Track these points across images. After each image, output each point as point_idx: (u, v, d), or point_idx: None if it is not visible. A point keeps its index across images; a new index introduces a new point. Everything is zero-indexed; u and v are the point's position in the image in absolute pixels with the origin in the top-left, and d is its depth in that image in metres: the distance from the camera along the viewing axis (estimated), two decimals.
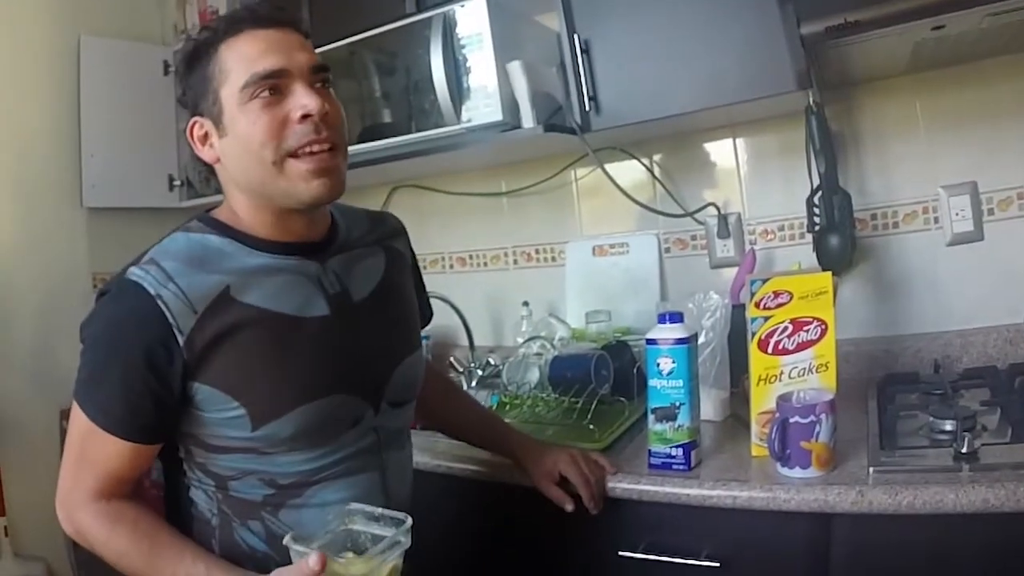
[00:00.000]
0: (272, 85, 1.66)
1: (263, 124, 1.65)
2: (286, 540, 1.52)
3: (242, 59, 1.67)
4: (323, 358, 1.72)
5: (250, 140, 1.66)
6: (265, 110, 1.66)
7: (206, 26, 1.75)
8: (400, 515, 1.59)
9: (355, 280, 1.85)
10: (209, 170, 1.89)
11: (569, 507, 2.15)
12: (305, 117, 1.67)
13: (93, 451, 1.65)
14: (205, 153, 1.73)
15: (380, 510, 1.61)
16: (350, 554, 1.53)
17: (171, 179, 4.02)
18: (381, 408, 1.84)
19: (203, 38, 1.71)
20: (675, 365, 2.09)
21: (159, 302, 1.58)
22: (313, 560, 1.43)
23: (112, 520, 1.64)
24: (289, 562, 1.53)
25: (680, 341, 2.09)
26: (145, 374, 1.59)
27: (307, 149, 1.67)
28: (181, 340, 1.58)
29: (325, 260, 1.80)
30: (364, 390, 1.79)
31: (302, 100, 1.67)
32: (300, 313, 1.71)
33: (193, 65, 1.72)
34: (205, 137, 1.72)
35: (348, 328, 1.78)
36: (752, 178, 3.11)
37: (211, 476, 1.71)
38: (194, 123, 1.73)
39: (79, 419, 1.65)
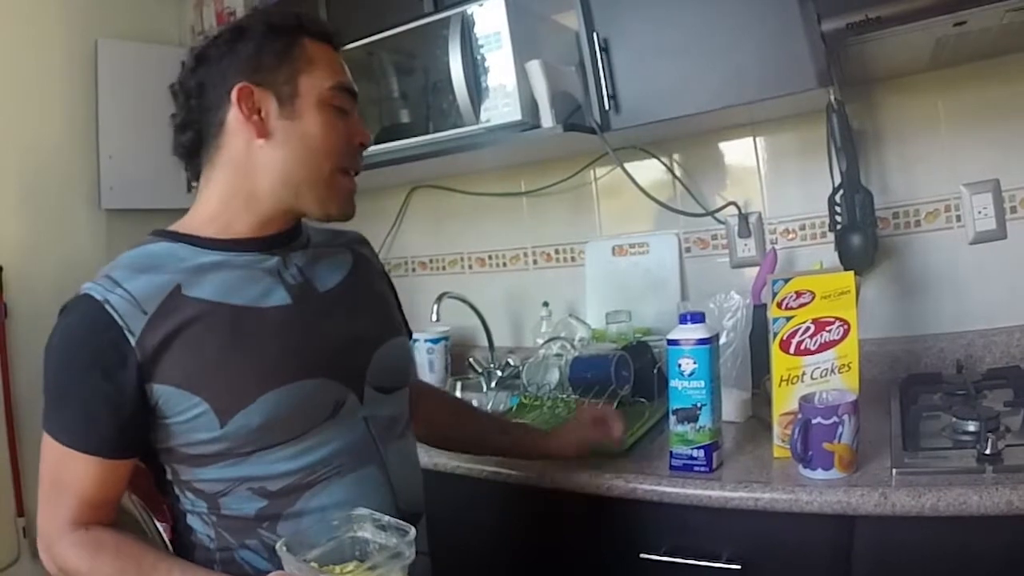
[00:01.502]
0: (349, 102, 1.78)
1: (337, 134, 1.74)
2: (278, 546, 1.47)
3: (328, 63, 1.76)
4: (287, 344, 1.68)
5: (317, 140, 1.71)
6: (338, 121, 1.75)
7: (280, 10, 1.78)
8: (405, 525, 1.52)
9: (319, 273, 1.84)
10: (188, 159, 1.83)
11: (618, 434, 2.23)
12: (361, 144, 1.82)
13: (65, 476, 1.62)
14: (252, 123, 1.68)
15: (388, 518, 1.55)
16: (353, 564, 1.46)
17: (189, 181, 3.97)
18: (365, 394, 1.80)
19: (284, 20, 1.74)
20: (696, 366, 2.07)
21: (107, 307, 1.57)
22: None
23: (93, 548, 1.60)
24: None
25: (702, 341, 2.07)
26: (99, 381, 1.57)
27: (352, 171, 1.80)
28: (133, 341, 1.57)
29: (286, 255, 1.79)
30: (341, 374, 1.74)
31: (361, 128, 1.81)
32: (257, 303, 1.69)
33: (269, 37, 1.71)
34: (255, 107, 1.69)
35: (315, 315, 1.76)
36: (773, 177, 3.09)
37: (202, 497, 1.68)
38: (248, 88, 1.68)
39: (47, 446, 1.63)
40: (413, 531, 1.49)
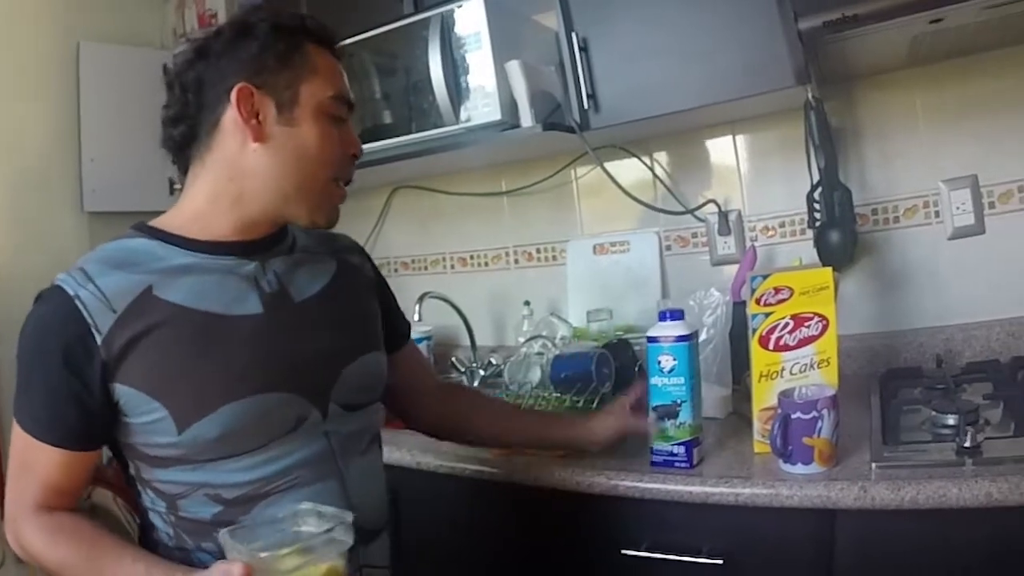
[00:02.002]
0: (346, 113, 1.79)
1: (333, 144, 1.74)
2: (221, 535, 1.46)
3: (331, 72, 1.76)
4: (252, 356, 1.66)
5: (314, 149, 1.70)
6: (335, 131, 1.75)
7: (285, 11, 1.76)
8: (345, 513, 1.52)
9: (298, 281, 1.81)
10: (177, 153, 1.80)
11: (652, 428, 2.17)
12: (354, 156, 1.82)
13: (31, 462, 1.64)
14: (249, 127, 1.66)
15: (331, 509, 1.55)
16: (289, 548, 1.45)
17: (171, 183, 4.01)
18: (330, 410, 1.77)
19: (289, 22, 1.72)
20: (676, 362, 2.08)
21: (76, 302, 1.57)
22: (237, 570, 1.37)
23: (52, 530, 1.61)
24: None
25: (681, 338, 2.08)
26: (66, 375, 1.57)
27: (344, 180, 1.80)
28: (99, 339, 1.56)
29: (265, 260, 1.77)
30: (306, 390, 1.71)
31: (355, 139, 1.82)
32: (227, 311, 1.67)
33: (273, 38, 1.69)
34: (254, 110, 1.67)
35: (285, 328, 1.73)
36: (752, 175, 3.11)
37: (161, 496, 1.67)
38: (248, 89, 1.66)
39: (15, 432, 1.65)
40: (350, 516, 1.50)
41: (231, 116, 1.67)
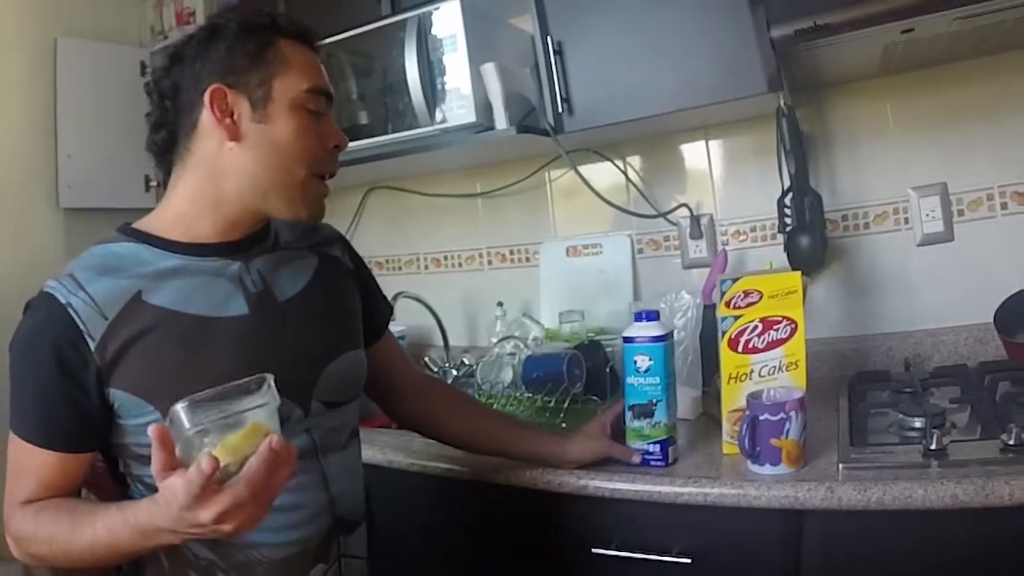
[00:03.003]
0: (324, 105, 1.78)
1: (310, 138, 1.73)
2: (176, 406, 1.38)
3: (304, 65, 1.75)
4: (239, 358, 1.67)
5: (290, 145, 1.70)
6: (312, 125, 1.74)
7: (254, 9, 1.76)
8: (261, 376, 1.47)
9: (281, 279, 1.83)
10: (160, 158, 1.79)
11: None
12: (336, 147, 1.81)
13: (24, 466, 1.64)
14: (224, 126, 1.67)
15: (233, 383, 1.46)
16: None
17: (147, 180, 4.03)
18: (312, 408, 1.80)
19: (258, 20, 1.72)
20: (652, 362, 2.10)
21: (69, 310, 1.58)
22: (205, 463, 1.33)
23: (36, 512, 1.62)
24: (234, 565, 1.59)
25: (657, 339, 2.10)
26: (60, 380, 1.58)
27: (326, 175, 1.81)
28: (92, 346, 1.58)
29: (249, 260, 1.78)
30: (289, 389, 1.68)
31: (335, 131, 1.81)
32: (214, 313, 1.69)
33: (241, 37, 1.69)
34: (228, 110, 1.68)
35: (269, 328, 1.75)
36: (724, 179, 3.14)
37: (150, 490, 1.61)
38: (221, 91, 1.66)
39: (12, 440, 1.65)
40: (271, 377, 1.47)
41: (207, 118, 1.68)
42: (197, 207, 1.73)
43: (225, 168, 1.70)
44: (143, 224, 1.76)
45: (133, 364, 1.60)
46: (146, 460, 1.61)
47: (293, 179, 1.72)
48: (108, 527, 1.53)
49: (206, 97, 1.66)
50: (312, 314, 1.86)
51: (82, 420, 1.62)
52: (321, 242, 2.02)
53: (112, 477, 1.77)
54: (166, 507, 1.39)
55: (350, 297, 2.04)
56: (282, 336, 1.77)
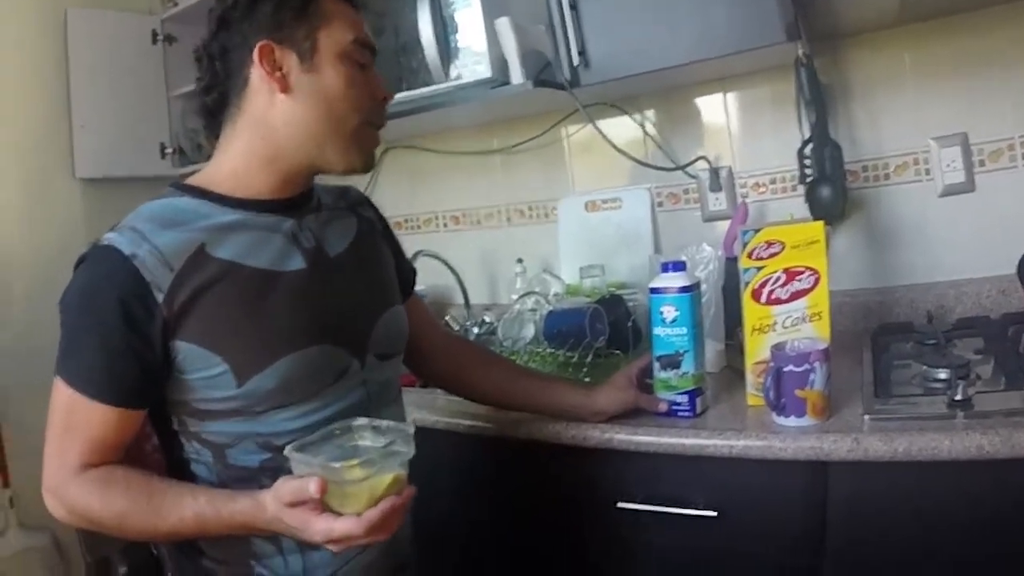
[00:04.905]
0: (368, 58, 1.82)
1: (359, 87, 1.78)
2: (287, 450, 1.52)
3: (346, 18, 1.79)
4: (303, 309, 1.73)
5: (340, 94, 1.75)
6: (359, 75, 1.79)
7: None
8: (404, 425, 1.59)
9: (330, 237, 1.88)
10: (210, 119, 1.83)
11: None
12: (385, 99, 1.86)
13: (78, 422, 1.63)
14: (274, 79, 1.71)
15: (386, 422, 1.63)
16: (354, 460, 1.49)
17: (163, 147, 4.04)
18: (367, 360, 1.85)
19: None
20: (679, 313, 2.11)
21: (134, 262, 1.58)
22: (313, 487, 1.43)
23: (102, 484, 1.62)
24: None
25: (684, 289, 2.11)
26: (126, 333, 1.58)
27: (377, 124, 1.86)
28: (160, 298, 1.59)
29: (302, 217, 1.83)
30: (348, 341, 1.79)
31: (381, 83, 1.85)
32: (276, 267, 1.72)
33: None
34: (277, 64, 1.71)
35: (327, 281, 1.80)
36: (743, 131, 3.12)
37: (207, 446, 1.71)
38: (269, 46, 1.70)
39: (61, 393, 1.64)
40: (411, 428, 1.56)
41: (257, 74, 1.72)
42: (252, 163, 1.76)
43: (278, 122, 1.74)
44: (196, 180, 1.79)
45: (200, 316, 1.62)
46: (206, 416, 1.69)
47: (346, 127, 1.76)
48: (198, 515, 1.59)
49: (255, 54, 1.70)
50: (360, 270, 1.92)
51: (146, 374, 1.63)
52: (355, 203, 2.08)
53: (160, 437, 1.81)
54: (279, 523, 1.54)
55: (386, 256, 2.09)
56: (337, 289, 1.82)
